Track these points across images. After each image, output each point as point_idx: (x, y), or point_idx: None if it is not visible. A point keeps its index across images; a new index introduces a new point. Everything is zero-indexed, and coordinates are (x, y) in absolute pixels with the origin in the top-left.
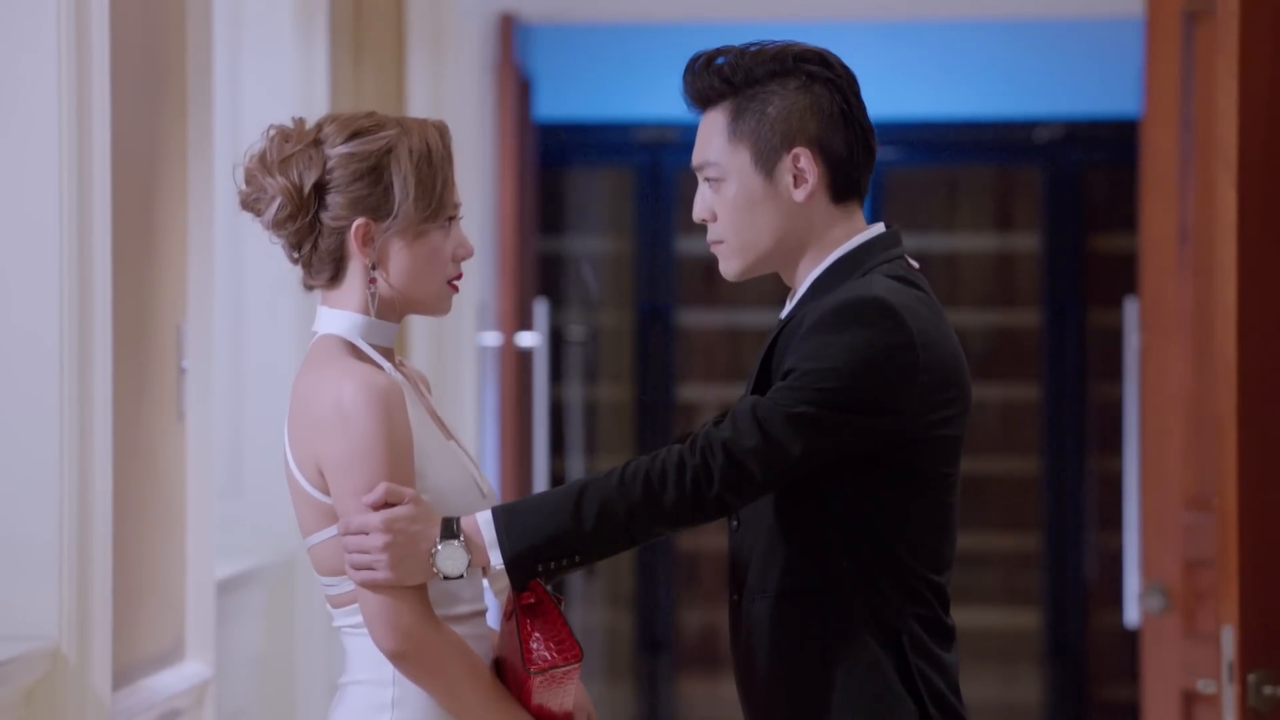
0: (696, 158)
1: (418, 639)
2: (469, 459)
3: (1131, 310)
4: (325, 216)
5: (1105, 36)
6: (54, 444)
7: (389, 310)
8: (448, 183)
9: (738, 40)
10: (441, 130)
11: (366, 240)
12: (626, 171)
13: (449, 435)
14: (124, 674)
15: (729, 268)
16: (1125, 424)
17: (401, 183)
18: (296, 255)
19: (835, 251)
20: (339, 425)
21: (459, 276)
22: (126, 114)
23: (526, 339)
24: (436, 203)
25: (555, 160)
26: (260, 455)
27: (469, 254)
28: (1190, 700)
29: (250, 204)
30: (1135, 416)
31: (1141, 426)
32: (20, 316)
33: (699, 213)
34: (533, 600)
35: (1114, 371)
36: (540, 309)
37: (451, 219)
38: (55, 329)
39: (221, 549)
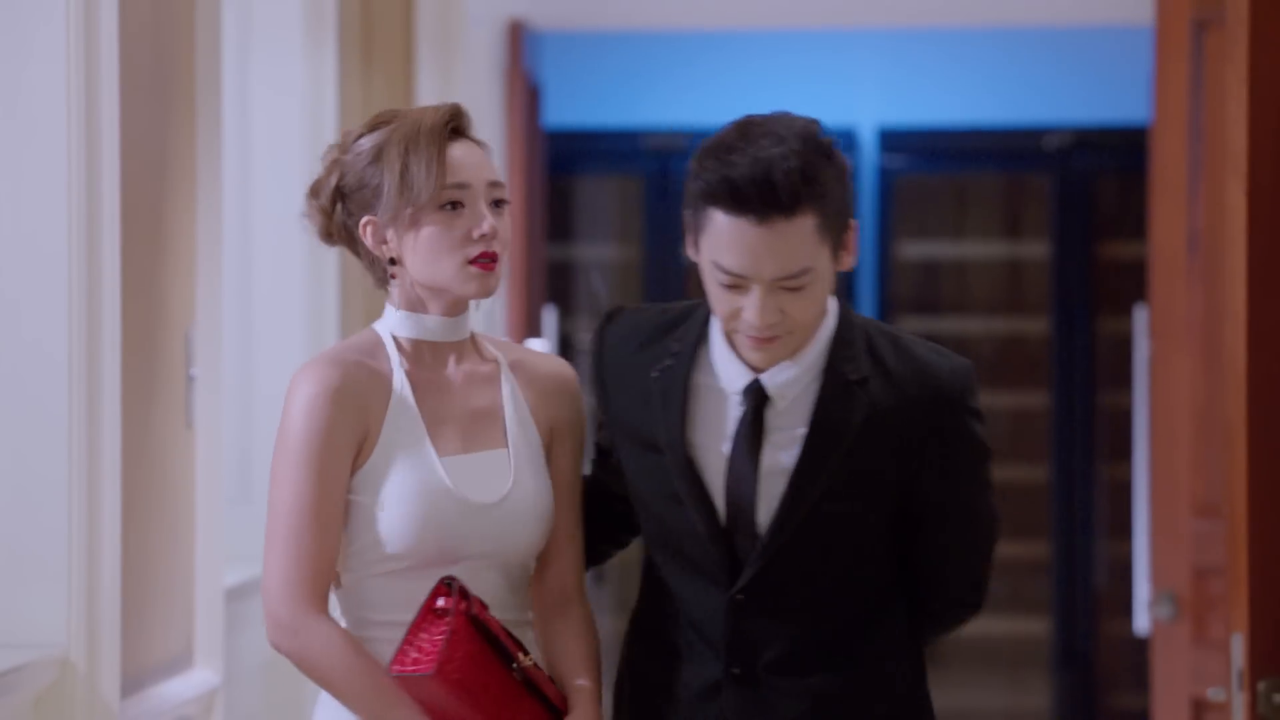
0: (786, 267)
1: (290, 632)
2: (484, 469)
3: (1140, 318)
4: (349, 223)
5: (1114, 44)
6: (62, 451)
7: (421, 302)
8: (437, 162)
9: (743, 48)
10: (444, 112)
11: (377, 238)
12: (636, 179)
13: (466, 446)
14: (132, 681)
15: (783, 353)
16: (1134, 431)
17: (388, 173)
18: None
19: (830, 311)
20: (283, 412)
21: (483, 256)
22: (135, 121)
23: (535, 346)
24: (421, 185)
25: (564, 168)
26: (269, 462)
27: (485, 231)
28: (1200, 708)
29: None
30: (1144, 424)
31: (1151, 434)
32: (29, 324)
33: (767, 319)
34: (440, 606)
35: (1123, 379)
36: (549, 316)
37: (455, 203)
38: (64, 336)
39: (230, 556)
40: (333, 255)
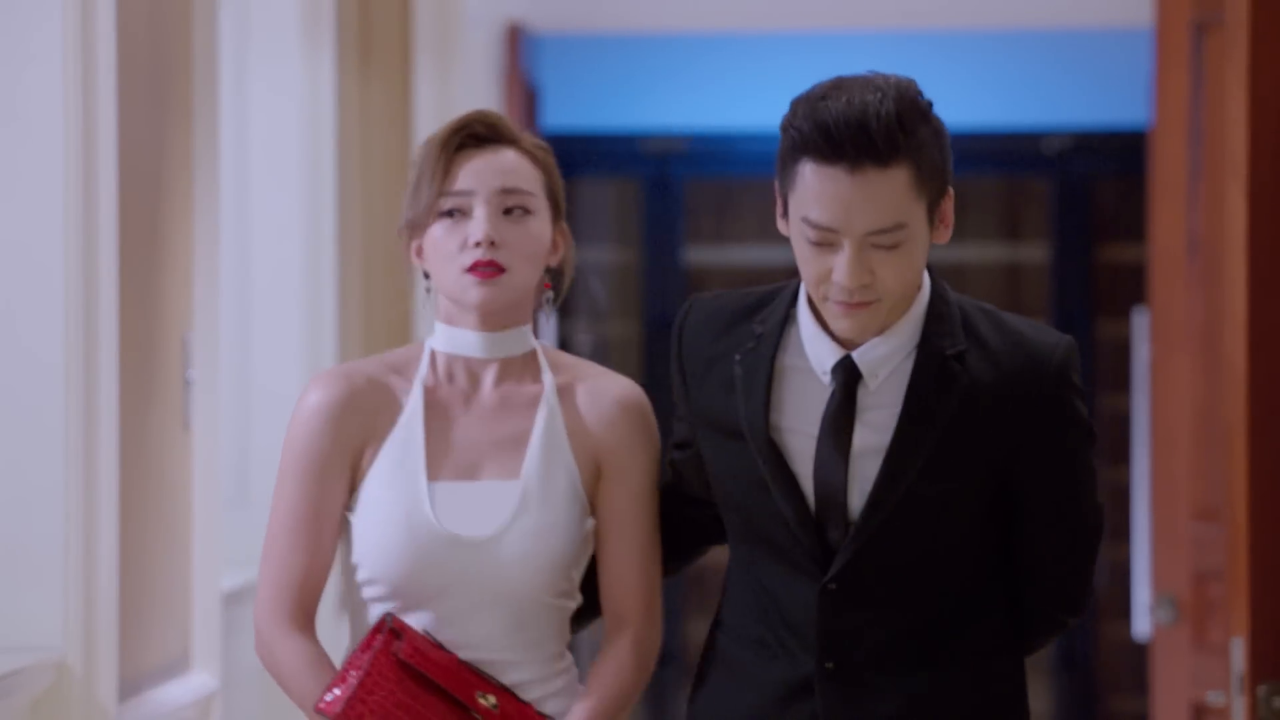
0: (878, 220)
1: (264, 645)
2: (484, 500)
3: (1139, 321)
4: None
5: (1113, 47)
6: (59, 454)
7: (453, 315)
8: (442, 171)
9: (760, 54)
10: (465, 118)
11: (412, 249)
12: (634, 182)
13: (472, 474)
14: (130, 685)
15: (874, 324)
16: (1133, 435)
17: (409, 185)
18: None
19: (924, 285)
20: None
21: (478, 264)
22: (132, 124)
23: None
24: (425, 194)
25: (563, 170)
26: (267, 466)
27: (479, 238)
28: (1200, 713)
29: None
30: (1144, 427)
31: (1152, 437)
32: (25, 328)
33: (860, 278)
34: (373, 644)
35: (1122, 382)
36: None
37: (456, 210)
38: (60, 340)
39: (228, 560)
40: (330, 258)
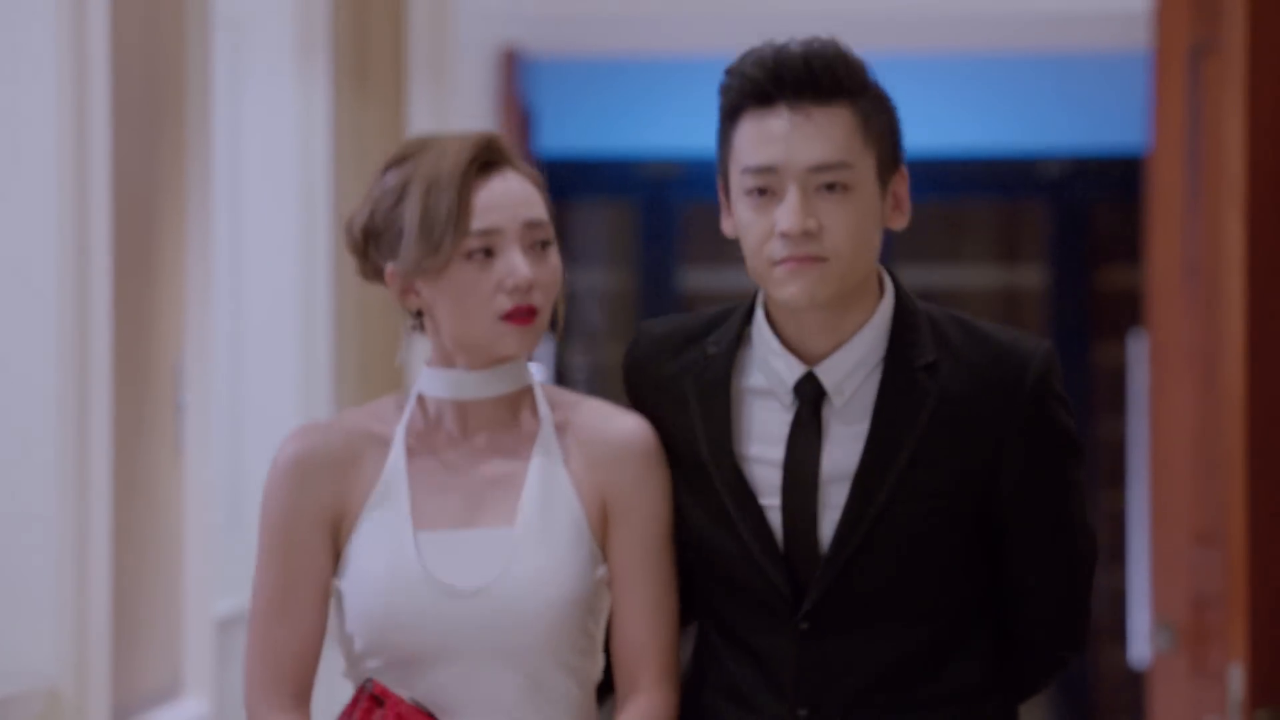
0: (817, 155)
1: (249, 713)
2: (477, 548)
3: (1137, 345)
4: (382, 265)
5: (1110, 72)
6: (52, 479)
7: (452, 357)
8: (460, 207)
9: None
10: (470, 146)
11: (402, 287)
12: (630, 206)
13: (464, 521)
14: (122, 711)
15: (824, 290)
16: (1130, 459)
17: (409, 218)
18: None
19: (886, 291)
20: None
21: (518, 310)
22: (126, 148)
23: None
24: (443, 232)
25: (558, 195)
26: (260, 490)
27: (518, 282)
28: None
29: None
30: (1141, 452)
31: (1150, 462)
32: (18, 353)
33: (804, 222)
34: (353, 715)
35: (1119, 406)
36: (545, 343)
37: (487, 250)
38: (53, 364)
39: (221, 585)
40: (325, 281)
